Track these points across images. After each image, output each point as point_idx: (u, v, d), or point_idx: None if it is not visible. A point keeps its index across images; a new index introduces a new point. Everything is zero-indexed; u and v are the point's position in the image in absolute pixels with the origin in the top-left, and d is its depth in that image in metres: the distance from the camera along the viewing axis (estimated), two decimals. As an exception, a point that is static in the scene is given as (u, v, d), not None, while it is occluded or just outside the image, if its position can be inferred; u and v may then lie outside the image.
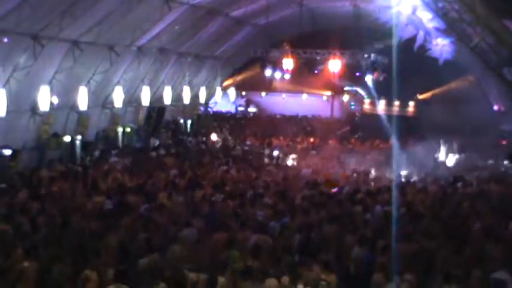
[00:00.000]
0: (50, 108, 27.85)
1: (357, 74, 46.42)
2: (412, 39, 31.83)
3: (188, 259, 13.80)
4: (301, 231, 16.79)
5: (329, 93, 59.91)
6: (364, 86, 52.29)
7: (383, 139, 43.88)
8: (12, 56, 24.63)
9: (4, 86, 24.30)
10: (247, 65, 50.99)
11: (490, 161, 35.78)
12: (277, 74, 43.85)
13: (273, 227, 17.86)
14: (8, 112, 24.34)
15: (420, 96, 54.14)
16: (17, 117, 27.30)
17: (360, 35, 41.62)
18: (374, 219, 19.41)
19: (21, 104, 27.05)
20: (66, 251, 13.82)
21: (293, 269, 13.19)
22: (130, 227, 16.44)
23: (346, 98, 61.19)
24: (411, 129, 45.27)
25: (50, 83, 27.69)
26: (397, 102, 52.61)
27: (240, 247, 15.10)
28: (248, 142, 43.31)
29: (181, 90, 41.02)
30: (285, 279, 12.91)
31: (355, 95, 59.82)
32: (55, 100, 28.19)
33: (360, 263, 14.91)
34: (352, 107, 61.29)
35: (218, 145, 42.06)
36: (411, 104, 54.95)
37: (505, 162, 34.91)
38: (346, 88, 58.63)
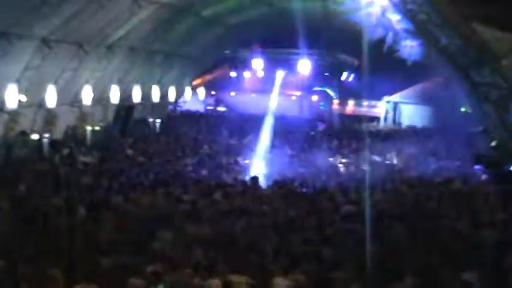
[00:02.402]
0: (18, 106, 27.66)
1: (326, 74, 46.69)
2: (382, 40, 31.98)
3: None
4: (277, 231, 16.85)
5: (298, 93, 60.08)
6: (333, 86, 52.59)
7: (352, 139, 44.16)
8: (-21, 53, 24.46)
9: (-29, 84, 24.13)
10: (217, 64, 51.00)
11: (457, 163, 36.05)
12: (246, 74, 43.90)
13: (241, 226, 17.88)
14: (-26, 110, 24.17)
15: (388, 98, 54.47)
16: (-17, 115, 27.11)
17: (330, 36, 41.83)
18: (343, 218, 19.50)
19: (-12, 101, 26.85)
20: (35, 250, 13.71)
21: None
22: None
23: (315, 98, 61.38)
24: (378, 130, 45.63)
25: (17, 80, 27.48)
26: (365, 103, 52.95)
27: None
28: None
29: (151, 89, 40.91)
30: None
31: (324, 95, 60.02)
32: (23, 98, 28.01)
33: (328, 262, 14.93)
34: (322, 107, 61.45)
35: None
36: (379, 104, 55.29)
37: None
38: (315, 88, 58.82)
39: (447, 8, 24.66)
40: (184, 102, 53.10)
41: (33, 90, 29.12)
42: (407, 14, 27.13)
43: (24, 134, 30.53)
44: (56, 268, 12.51)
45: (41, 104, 30.84)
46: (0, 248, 13.62)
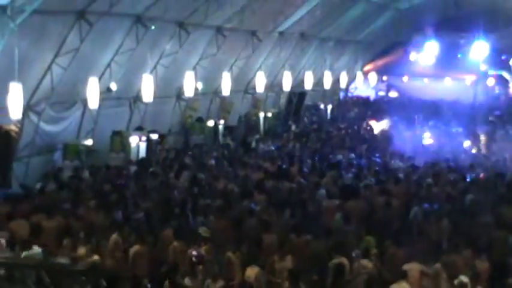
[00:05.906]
0: (195, 93, 28.55)
1: (503, 56, 45.00)
2: None
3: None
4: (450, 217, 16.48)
5: (473, 77, 58.14)
6: (510, 69, 50.62)
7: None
8: (159, 43, 25.47)
9: (151, 72, 25.10)
10: (388, 49, 50.38)
11: None
12: (420, 58, 43.09)
13: (415, 212, 17.69)
14: (155, 97, 25.16)
15: None
16: (163, 103, 28.27)
17: (507, 16, 40.24)
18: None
19: (168, 89, 27.94)
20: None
21: None
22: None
23: (491, 82, 59.19)
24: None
25: (194, 69, 28.38)
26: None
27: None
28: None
29: (322, 75, 40.97)
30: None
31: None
32: (199, 86, 28.86)
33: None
34: (498, 91, 59.12)
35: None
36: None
37: None
38: (490, 72, 56.71)
39: None
40: (355, 88, 52.83)
41: (209, 78, 30.00)
42: None
43: (200, 120, 31.50)
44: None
45: (216, 92, 31.71)
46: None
